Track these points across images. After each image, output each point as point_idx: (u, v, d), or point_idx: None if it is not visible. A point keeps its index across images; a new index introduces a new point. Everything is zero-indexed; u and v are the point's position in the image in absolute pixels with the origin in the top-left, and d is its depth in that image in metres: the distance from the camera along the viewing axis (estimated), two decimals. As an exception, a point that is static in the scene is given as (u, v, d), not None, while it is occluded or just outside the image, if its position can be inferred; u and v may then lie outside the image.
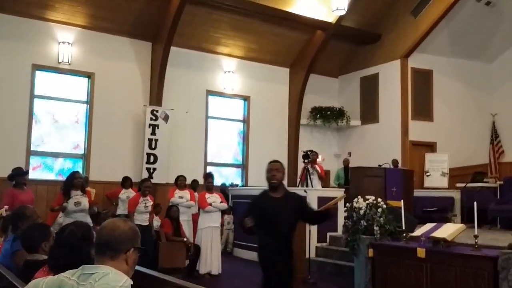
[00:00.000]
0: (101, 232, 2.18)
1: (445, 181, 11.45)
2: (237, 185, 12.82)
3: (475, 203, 5.45)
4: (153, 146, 11.66)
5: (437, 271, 5.41)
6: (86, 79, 11.57)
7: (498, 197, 10.38)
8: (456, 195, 11.59)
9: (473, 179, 11.24)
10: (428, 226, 5.89)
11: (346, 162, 12.80)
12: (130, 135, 11.79)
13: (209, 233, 8.30)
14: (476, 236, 5.39)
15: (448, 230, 5.51)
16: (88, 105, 11.52)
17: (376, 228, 6.64)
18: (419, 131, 13.24)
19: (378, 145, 13.43)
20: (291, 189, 5.44)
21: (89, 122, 11.45)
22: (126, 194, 9.49)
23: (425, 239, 5.62)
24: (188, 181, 9.86)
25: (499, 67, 13.75)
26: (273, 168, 4.63)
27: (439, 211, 10.89)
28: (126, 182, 9.86)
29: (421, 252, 5.54)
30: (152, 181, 9.95)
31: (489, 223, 10.25)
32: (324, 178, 11.01)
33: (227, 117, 13.66)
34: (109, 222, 2.25)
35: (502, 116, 13.27)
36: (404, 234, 6.33)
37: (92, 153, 11.33)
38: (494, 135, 13.22)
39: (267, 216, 4.45)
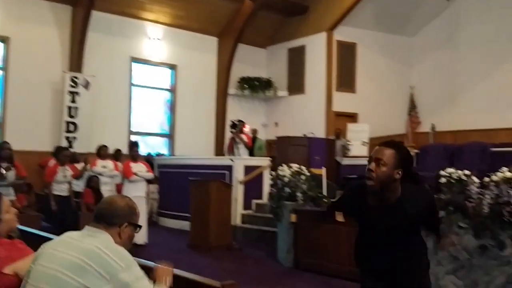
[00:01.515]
0: (100, 206, 2.34)
1: (365, 150, 11.85)
2: (163, 155, 12.63)
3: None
4: (72, 114, 11.21)
5: (355, 234, 5.64)
6: (1, 44, 10.87)
7: (414, 165, 10.93)
8: (376, 163, 12.02)
9: (391, 148, 11.70)
10: (347, 191, 6.10)
11: (254, 132, 12.73)
12: (48, 102, 11.24)
13: (134, 203, 8.16)
14: (391, 200, 5.66)
15: (365, 195, 5.73)
16: (4, 71, 10.84)
17: (299, 194, 6.83)
18: (342, 102, 13.61)
19: (304, 115, 13.68)
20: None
21: (4, 89, 10.79)
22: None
23: (344, 204, 5.82)
24: (111, 151, 9.57)
25: (420, 41, 14.31)
26: (374, 156, 2.61)
27: (359, 177, 11.31)
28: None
29: (339, 216, 5.73)
30: (72, 150, 9.63)
31: (405, 189, 10.81)
32: (251, 147, 11.08)
33: (153, 85, 13.34)
34: (107, 197, 2.44)
35: (420, 88, 13.89)
36: (325, 200, 6.55)
37: (7, 121, 10.73)
38: (412, 106, 13.86)
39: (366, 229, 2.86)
